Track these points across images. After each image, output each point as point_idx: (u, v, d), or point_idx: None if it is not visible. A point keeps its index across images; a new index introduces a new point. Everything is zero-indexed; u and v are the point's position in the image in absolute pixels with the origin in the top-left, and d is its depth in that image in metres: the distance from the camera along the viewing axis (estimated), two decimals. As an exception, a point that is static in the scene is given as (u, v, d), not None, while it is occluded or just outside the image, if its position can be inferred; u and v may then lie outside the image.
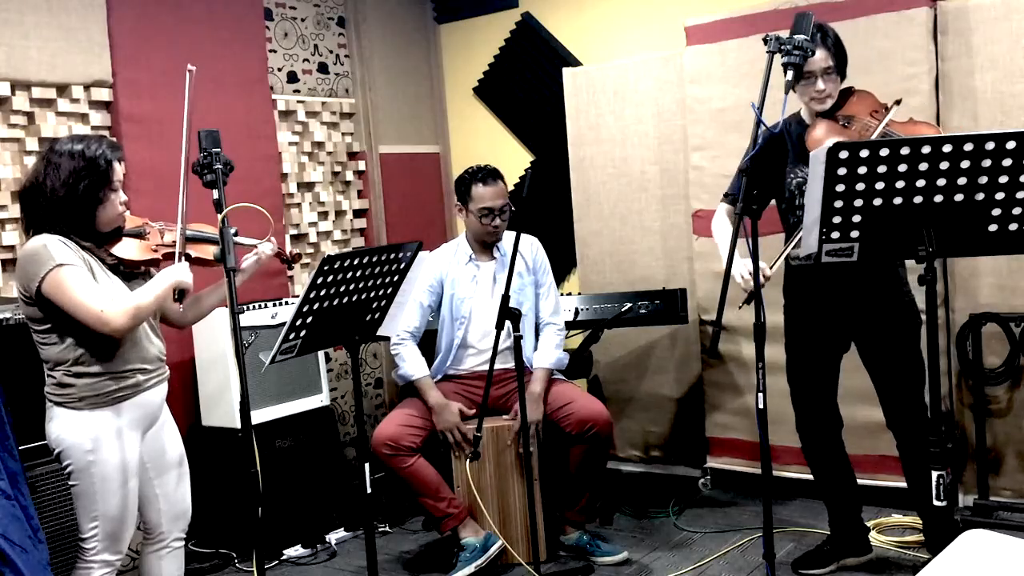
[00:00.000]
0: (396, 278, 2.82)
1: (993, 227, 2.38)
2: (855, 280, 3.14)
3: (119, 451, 2.58)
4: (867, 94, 3.08)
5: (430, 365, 3.80)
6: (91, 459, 2.55)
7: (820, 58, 2.99)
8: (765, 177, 3.15)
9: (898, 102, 3.01)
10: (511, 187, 5.09)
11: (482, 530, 3.61)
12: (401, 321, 3.42)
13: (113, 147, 2.64)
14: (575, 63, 4.89)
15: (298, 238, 4.66)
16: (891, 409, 3.21)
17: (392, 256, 2.75)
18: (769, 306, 2.76)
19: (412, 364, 3.71)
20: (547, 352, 3.76)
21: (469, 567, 3.50)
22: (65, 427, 2.57)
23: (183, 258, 2.66)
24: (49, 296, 2.49)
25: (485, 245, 3.79)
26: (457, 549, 3.59)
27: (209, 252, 2.83)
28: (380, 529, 4.14)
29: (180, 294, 2.62)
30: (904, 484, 3.36)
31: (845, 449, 3.38)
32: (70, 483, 2.59)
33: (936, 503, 2.46)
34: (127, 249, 2.66)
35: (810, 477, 3.98)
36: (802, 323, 3.28)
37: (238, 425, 2.40)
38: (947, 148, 2.27)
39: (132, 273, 2.73)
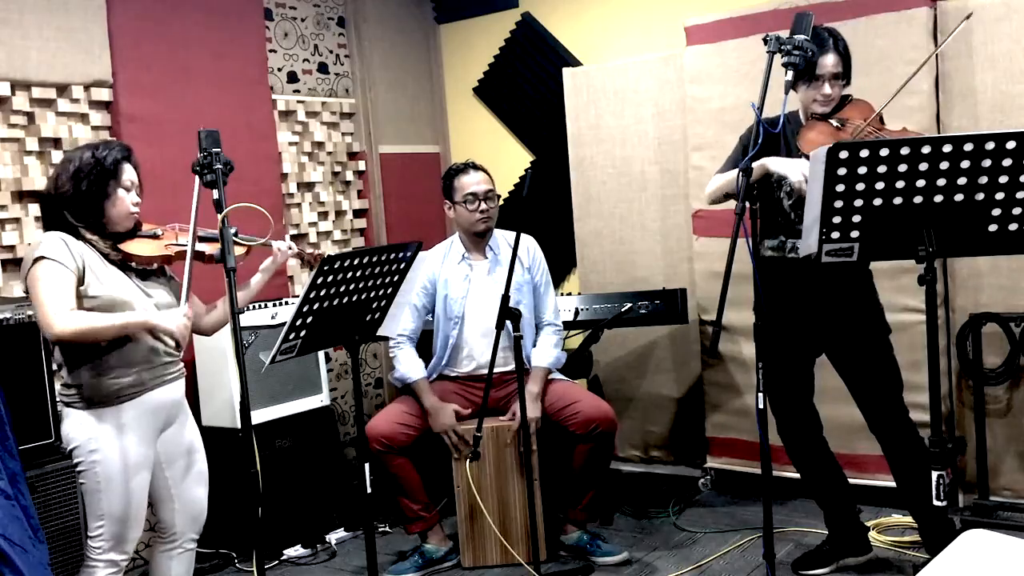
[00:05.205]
0: (396, 278, 2.82)
1: (993, 227, 2.38)
2: (826, 287, 3.13)
3: (122, 451, 2.58)
4: (863, 101, 3.09)
5: (427, 366, 3.81)
6: (94, 459, 2.56)
7: (831, 63, 3.00)
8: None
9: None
10: (511, 187, 5.13)
11: (448, 541, 3.75)
12: (396, 325, 3.48)
13: (123, 148, 2.70)
14: (575, 63, 4.89)
15: (298, 238, 4.65)
16: (871, 414, 3.21)
17: (392, 256, 2.75)
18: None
19: (408, 366, 3.72)
20: (545, 351, 3.76)
21: (412, 573, 3.66)
22: (72, 427, 2.60)
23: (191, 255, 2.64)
24: (26, 288, 2.54)
25: (478, 237, 3.78)
26: (414, 550, 3.75)
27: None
28: (380, 529, 4.14)
29: (176, 343, 2.63)
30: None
31: (829, 448, 3.37)
32: (80, 481, 2.61)
33: (936, 503, 2.46)
34: (139, 246, 2.68)
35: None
36: (774, 328, 3.22)
37: (238, 425, 2.40)
38: (947, 148, 2.27)
39: (146, 271, 2.74)
